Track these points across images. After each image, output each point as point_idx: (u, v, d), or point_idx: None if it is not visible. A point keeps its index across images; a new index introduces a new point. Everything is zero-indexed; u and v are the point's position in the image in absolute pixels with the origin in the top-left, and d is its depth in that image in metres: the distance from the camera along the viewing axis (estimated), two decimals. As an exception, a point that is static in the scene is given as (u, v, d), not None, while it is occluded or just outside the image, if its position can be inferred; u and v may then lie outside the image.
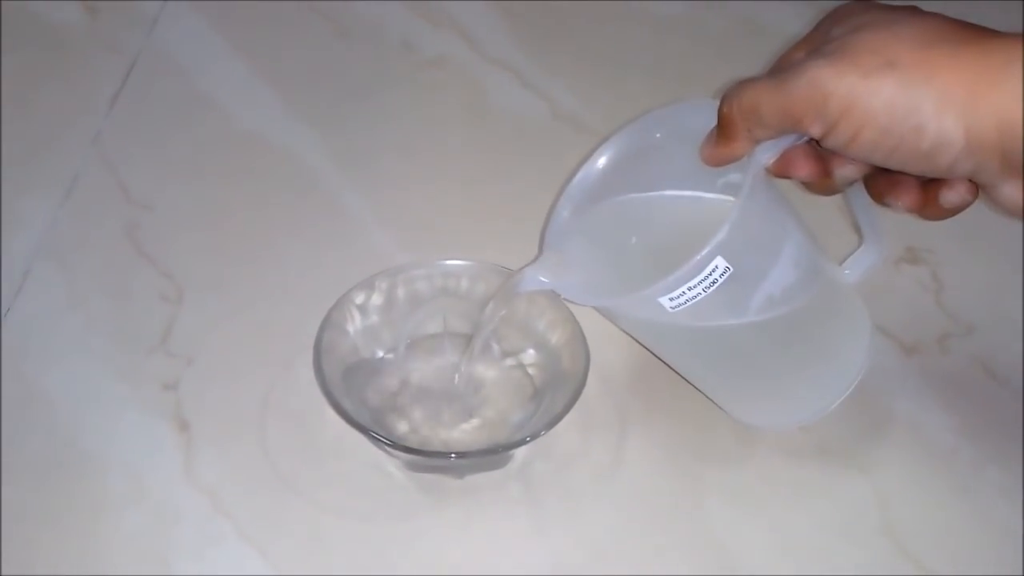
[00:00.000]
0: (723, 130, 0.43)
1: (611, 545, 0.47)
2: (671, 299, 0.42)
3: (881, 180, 0.44)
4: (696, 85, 0.69)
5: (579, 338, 0.49)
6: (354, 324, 0.51)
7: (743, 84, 0.42)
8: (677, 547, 0.47)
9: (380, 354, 0.52)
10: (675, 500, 0.49)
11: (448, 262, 0.53)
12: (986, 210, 0.63)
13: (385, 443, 0.46)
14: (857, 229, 0.48)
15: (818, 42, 0.41)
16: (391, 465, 0.49)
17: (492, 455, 0.48)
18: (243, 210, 0.62)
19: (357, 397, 0.49)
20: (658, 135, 0.48)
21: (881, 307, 0.52)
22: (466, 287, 0.53)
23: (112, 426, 0.51)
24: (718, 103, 0.43)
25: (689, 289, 0.42)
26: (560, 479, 0.49)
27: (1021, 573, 0.46)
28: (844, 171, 0.43)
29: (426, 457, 0.47)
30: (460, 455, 0.47)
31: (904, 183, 0.43)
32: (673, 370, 0.51)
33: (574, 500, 0.49)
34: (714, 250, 0.41)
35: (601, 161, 0.49)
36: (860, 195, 0.45)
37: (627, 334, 0.51)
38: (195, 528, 0.47)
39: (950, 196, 0.42)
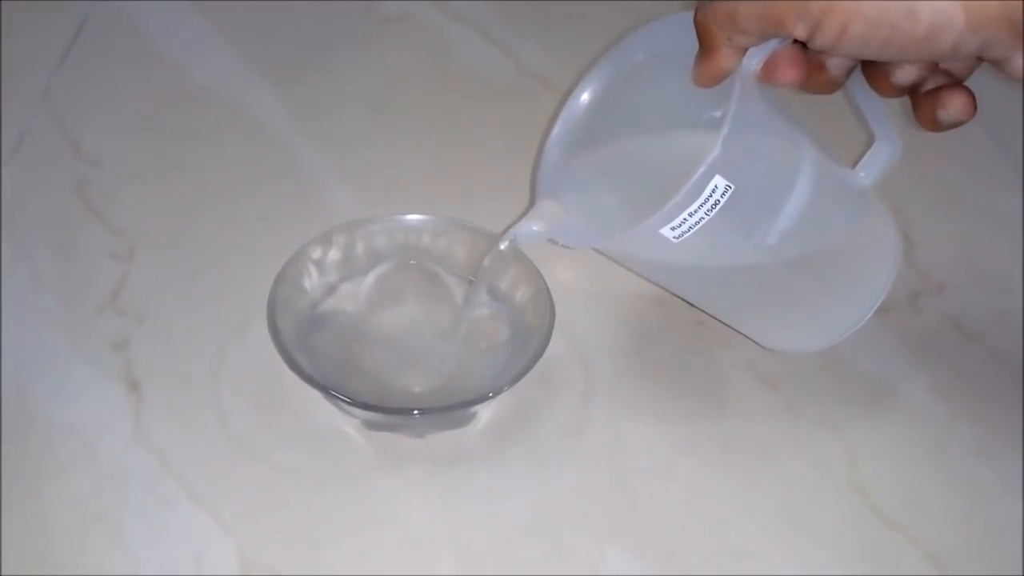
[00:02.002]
0: (702, 42, 0.41)
1: (576, 506, 0.46)
2: (672, 228, 0.40)
3: (883, 63, 0.41)
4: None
5: (544, 293, 0.48)
6: (311, 280, 0.50)
7: None
8: (643, 509, 0.46)
9: (338, 311, 0.51)
10: (641, 460, 0.48)
11: (409, 217, 0.51)
12: (959, 168, 0.63)
13: (343, 401, 0.44)
14: (865, 126, 0.45)
15: None
16: (349, 425, 0.48)
17: (455, 411, 0.46)
18: (197, 166, 0.60)
19: (314, 355, 0.47)
20: (640, 56, 0.46)
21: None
22: (428, 243, 0.51)
23: (59, 386, 0.49)
24: (690, 14, 0.41)
25: (690, 215, 0.40)
26: (524, 439, 0.48)
27: (992, 529, 0.46)
28: (837, 59, 0.41)
29: (386, 414, 0.46)
30: (422, 411, 0.45)
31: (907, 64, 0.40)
32: (692, 304, 0.50)
33: (538, 460, 0.48)
34: (710, 169, 0.39)
35: (585, 96, 0.47)
36: (861, 86, 0.42)
37: (648, 279, 0.49)
38: (145, 490, 0.45)
39: (946, 113, 0.40)
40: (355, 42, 0.69)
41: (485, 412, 0.48)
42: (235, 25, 0.70)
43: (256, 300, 0.48)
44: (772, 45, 0.40)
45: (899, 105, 0.43)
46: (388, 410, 0.46)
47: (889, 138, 0.45)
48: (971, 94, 0.40)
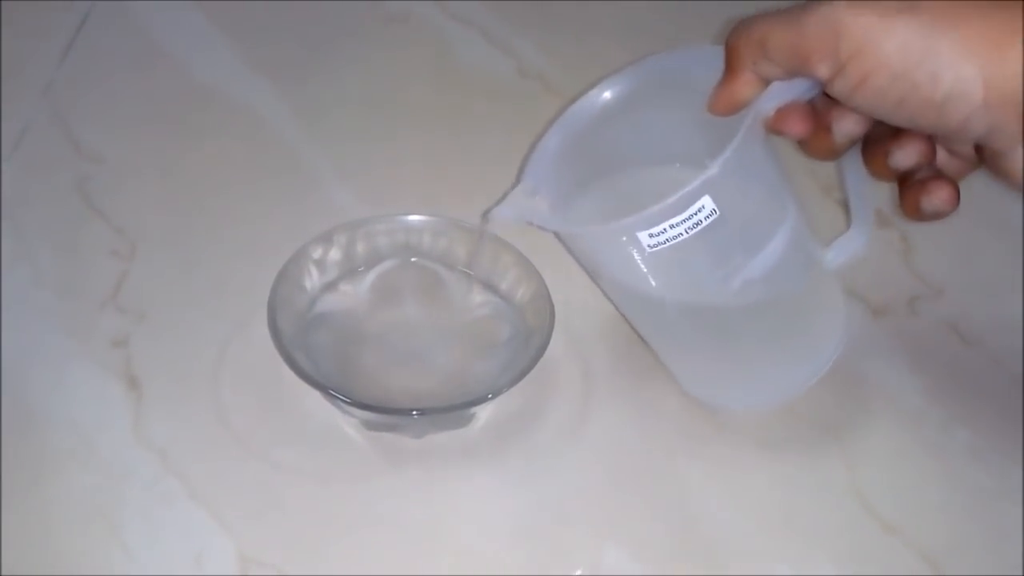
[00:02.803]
0: (728, 63, 0.41)
1: (574, 506, 0.46)
2: (651, 235, 0.41)
3: (885, 142, 0.41)
4: (664, 44, 0.68)
5: (544, 294, 0.48)
6: (311, 279, 0.50)
7: (755, 16, 0.40)
8: (642, 509, 0.46)
9: (339, 310, 0.51)
10: (640, 462, 0.48)
11: (409, 217, 0.52)
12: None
13: (342, 400, 0.45)
14: (846, 210, 0.46)
15: None
16: (349, 425, 0.48)
17: (454, 412, 0.46)
18: (199, 164, 0.60)
19: (314, 354, 0.48)
20: (661, 79, 0.46)
21: (850, 269, 0.51)
22: (428, 242, 0.52)
23: (59, 383, 0.49)
24: (721, 48, 0.41)
25: (671, 227, 0.40)
26: (523, 439, 0.48)
27: (989, 533, 0.46)
28: (844, 125, 0.41)
29: (385, 415, 0.46)
30: (421, 412, 0.45)
31: (910, 139, 0.41)
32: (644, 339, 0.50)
33: (537, 460, 0.48)
34: (703, 186, 0.39)
35: (597, 99, 0.47)
36: (856, 165, 0.43)
37: (601, 290, 0.50)
38: (144, 488, 0.45)
39: (930, 202, 0.41)
40: (357, 41, 0.69)
41: (484, 412, 0.48)
42: (237, 23, 0.70)
43: (257, 298, 0.48)
44: (791, 92, 0.40)
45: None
46: (387, 410, 0.46)
47: (864, 228, 0.45)
48: (957, 189, 0.41)
